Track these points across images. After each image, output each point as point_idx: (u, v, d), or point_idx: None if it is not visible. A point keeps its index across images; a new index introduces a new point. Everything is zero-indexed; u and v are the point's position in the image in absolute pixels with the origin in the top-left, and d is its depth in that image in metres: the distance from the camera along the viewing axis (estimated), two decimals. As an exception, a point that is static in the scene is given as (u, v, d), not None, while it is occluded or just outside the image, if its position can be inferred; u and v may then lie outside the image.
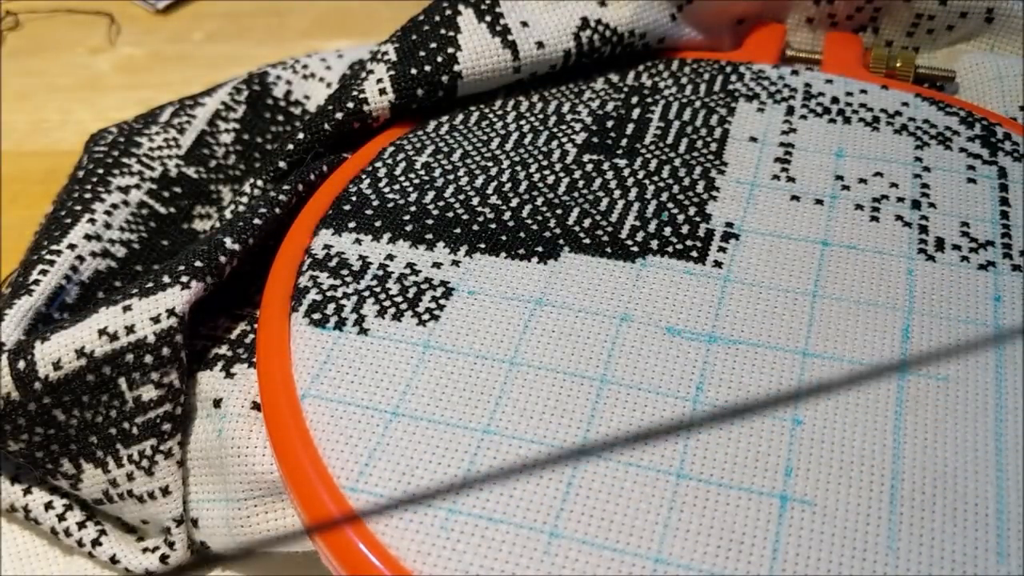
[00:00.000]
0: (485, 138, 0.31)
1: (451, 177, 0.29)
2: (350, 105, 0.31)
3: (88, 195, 0.31)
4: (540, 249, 0.26)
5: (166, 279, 0.25)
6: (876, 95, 0.32)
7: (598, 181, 0.29)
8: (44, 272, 0.28)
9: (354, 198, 0.28)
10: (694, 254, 0.26)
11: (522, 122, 0.31)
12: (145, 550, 0.26)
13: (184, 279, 0.25)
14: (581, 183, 0.29)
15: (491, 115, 0.32)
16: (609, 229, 0.27)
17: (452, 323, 0.24)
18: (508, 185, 0.28)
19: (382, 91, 0.31)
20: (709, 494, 0.21)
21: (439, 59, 0.31)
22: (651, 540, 0.20)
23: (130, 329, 0.24)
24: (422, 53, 0.31)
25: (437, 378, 0.23)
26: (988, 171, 0.29)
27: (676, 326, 0.24)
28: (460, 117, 0.32)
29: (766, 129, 0.31)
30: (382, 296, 0.25)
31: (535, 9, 0.33)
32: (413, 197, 0.28)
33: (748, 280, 0.25)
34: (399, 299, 0.25)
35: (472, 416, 0.22)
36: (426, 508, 0.21)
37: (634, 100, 0.32)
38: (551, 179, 0.29)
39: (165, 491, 0.25)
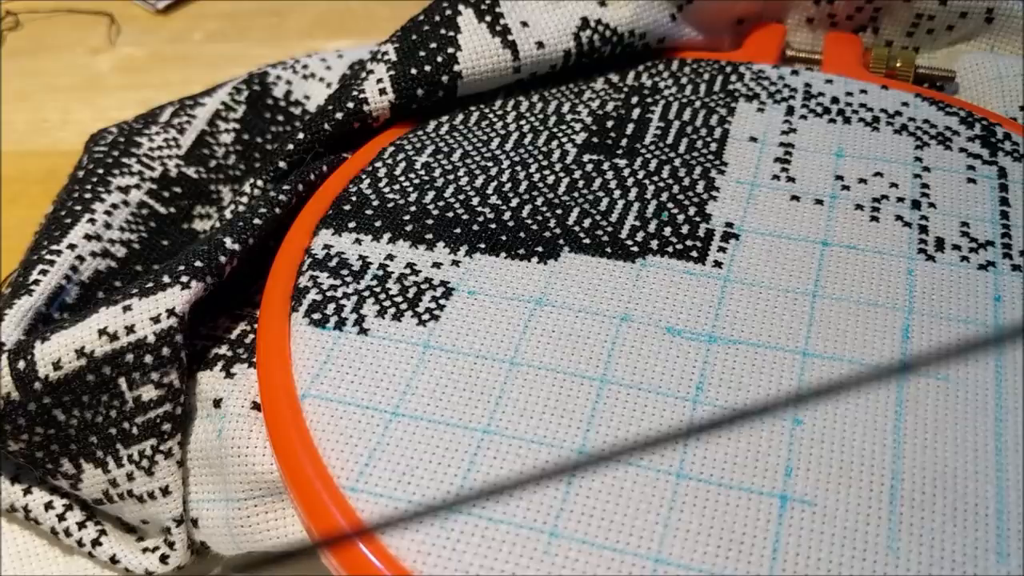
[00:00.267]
0: (485, 138, 0.31)
1: (451, 177, 0.29)
2: (350, 105, 0.31)
3: (88, 195, 0.31)
4: (540, 249, 0.26)
5: (166, 279, 0.25)
6: (876, 95, 0.32)
7: (598, 181, 0.29)
8: (44, 272, 0.28)
9: (354, 198, 0.28)
10: (694, 254, 0.26)
11: (522, 122, 0.31)
12: (145, 550, 0.26)
13: (184, 279, 0.25)
14: (581, 183, 0.29)
15: (491, 115, 0.32)
16: (609, 229, 0.27)
17: (452, 323, 0.24)
18: (508, 185, 0.28)
19: (382, 91, 0.31)
20: (709, 494, 0.21)
21: (439, 59, 0.31)
22: (651, 540, 0.20)
23: (130, 329, 0.24)
24: (422, 53, 0.31)
25: (437, 378, 0.23)
26: (988, 171, 0.29)
27: (676, 326, 0.24)
28: (460, 117, 0.32)
29: (766, 129, 0.31)
30: (382, 296, 0.25)
31: (535, 9, 0.33)
32: (413, 197, 0.28)
33: (748, 280, 0.25)
34: (399, 299, 0.25)
35: (472, 416, 0.22)
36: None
37: (634, 100, 0.32)
38: (551, 179, 0.29)
39: (165, 491, 0.25)
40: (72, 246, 0.29)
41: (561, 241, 0.27)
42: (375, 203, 0.28)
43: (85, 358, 0.24)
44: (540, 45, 0.32)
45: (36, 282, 0.28)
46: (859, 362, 0.23)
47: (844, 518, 0.20)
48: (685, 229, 0.27)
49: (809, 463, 0.21)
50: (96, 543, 0.27)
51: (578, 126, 0.31)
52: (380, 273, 0.26)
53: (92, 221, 0.30)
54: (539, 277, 0.26)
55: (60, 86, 0.47)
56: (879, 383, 0.23)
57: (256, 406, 0.24)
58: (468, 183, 0.29)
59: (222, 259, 0.26)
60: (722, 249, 0.26)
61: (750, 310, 0.25)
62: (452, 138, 0.31)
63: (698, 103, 0.32)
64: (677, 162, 0.29)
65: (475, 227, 0.27)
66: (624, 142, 0.30)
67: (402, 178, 0.29)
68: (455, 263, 0.26)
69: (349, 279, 0.26)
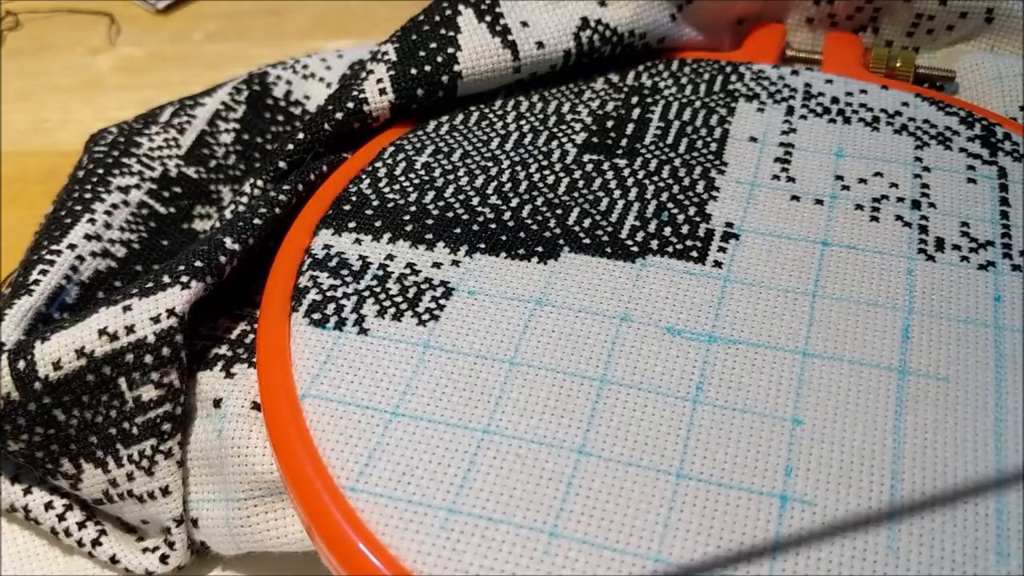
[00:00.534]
0: (485, 138, 0.31)
1: (451, 177, 0.29)
2: (350, 105, 0.31)
3: (88, 195, 0.31)
4: (540, 249, 0.26)
5: (166, 279, 0.25)
6: (876, 95, 0.32)
7: (598, 181, 0.29)
8: (44, 272, 0.28)
9: (354, 198, 0.28)
10: (694, 254, 0.26)
11: (522, 122, 0.31)
12: (145, 550, 0.26)
13: (184, 279, 0.25)
14: (581, 183, 0.29)
15: (491, 115, 0.32)
16: (609, 229, 0.27)
17: (452, 323, 0.24)
18: (508, 185, 0.28)
19: (382, 91, 0.31)
20: (709, 494, 0.21)
21: (439, 59, 0.31)
22: (651, 540, 0.20)
23: (130, 329, 0.24)
24: (422, 53, 0.31)
25: (437, 378, 0.23)
26: (988, 171, 0.29)
27: (676, 326, 0.24)
28: (460, 117, 0.32)
29: (766, 129, 0.31)
30: (382, 296, 0.25)
31: (535, 9, 0.33)
32: (413, 197, 0.28)
33: (748, 280, 0.25)
34: (399, 299, 0.25)
35: (472, 416, 0.22)
36: (426, 508, 0.21)
37: (634, 100, 0.32)
38: (551, 179, 0.29)
39: (165, 491, 0.25)
40: (72, 246, 0.29)
41: (561, 241, 0.27)
42: (375, 203, 0.28)
43: (85, 358, 0.24)
44: (540, 45, 0.32)
45: (36, 282, 0.28)
46: (859, 362, 0.23)
47: (844, 518, 0.20)
48: (685, 229, 0.27)
49: (809, 463, 0.21)
50: (96, 543, 0.27)
51: (578, 126, 0.31)
52: (380, 273, 0.26)
53: (92, 221, 0.30)
54: (539, 277, 0.26)
55: (60, 86, 0.47)
56: (879, 383, 0.23)
57: (256, 406, 0.24)
58: (468, 183, 0.29)
59: (222, 259, 0.26)
60: (722, 249, 0.26)
61: (750, 310, 0.25)
62: (452, 138, 0.31)
63: (698, 103, 0.32)
64: (677, 162, 0.29)
65: (475, 227, 0.27)
66: (624, 142, 0.30)
67: (402, 178, 0.29)
68: (455, 263, 0.26)
69: (349, 279, 0.26)
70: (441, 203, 0.28)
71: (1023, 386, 0.23)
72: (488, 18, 0.32)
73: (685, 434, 0.22)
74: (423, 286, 0.25)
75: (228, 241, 0.26)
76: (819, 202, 0.28)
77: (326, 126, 0.30)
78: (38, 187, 0.41)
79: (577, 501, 0.21)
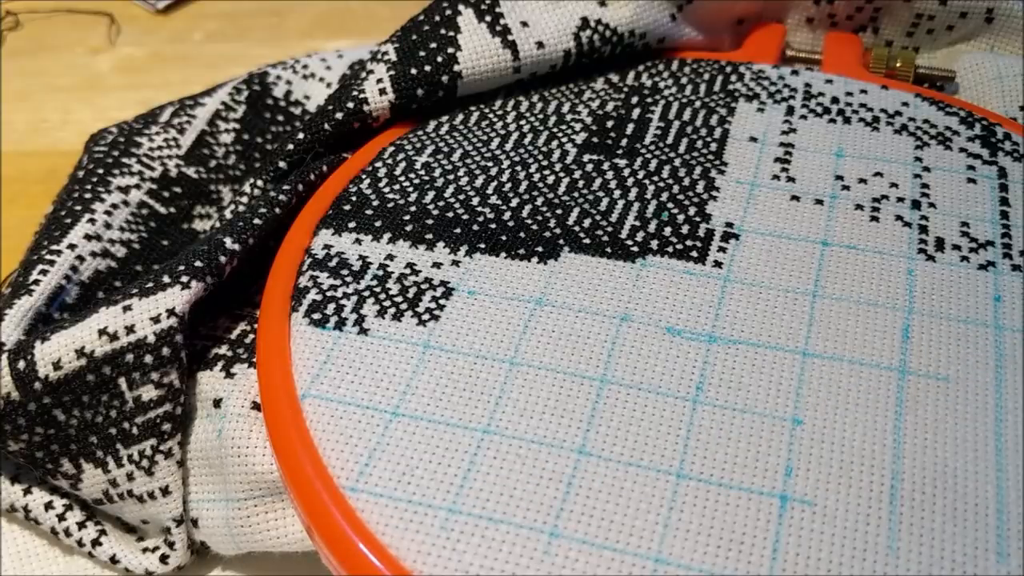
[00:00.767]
0: (485, 138, 0.31)
1: (451, 177, 0.29)
2: (350, 105, 0.31)
3: (88, 195, 0.31)
4: (540, 249, 0.26)
5: (166, 279, 0.25)
6: (876, 95, 0.32)
7: (598, 181, 0.29)
8: (44, 272, 0.28)
9: (354, 198, 0.28)
10: (694, 254, 0.26)
11: (522, 122, 0.31)
12: (145, 550, 0.26)
13: (184, 279, 0.25)
14: (581, 183, 0.29)
15: (491, 115, 0.32)
16: (609, 229, 0.27)
17: (452, 323, 0.24)
18: (508, 185, 0.29)
19: (382, 91, 0.31)
20: (709, 494, 0.21)
21: (439, 59, 0.31)
22: (651, 540, 0.20)
23: (130, 329, 0.24)
24: (422, 53, 0.31)
25: (437, 378, 0.23)
26: (988, 171, 0.29)
27: (676, 326, 0.24)
28: (460, 117, 0.32)
29: (766, 129, 0.31)
30: (382, 296, 0.25)
31: (535, 9, 0.33)
32: (413, 197, 0.28)
33: (748, 280, 0.25)
34: (399, 299, 0.25)
35: (472, 416, 0.22)
36: (426, 508, 0.21)
37: (634, 100, 0.32)
38: (551, 179, 0.29)
39: (165, 491, 0.25)
40: (72, 246, 0.29)
41: (561, 241, 0.27)
42: (375, 203, 0.28)
43: (85, 358, 0.24)
44: (540, 45, 0.32)
45: (36, 282, 0.28)
46: (859, 362, 0.23)
47: (844, 518, 0.20)
48: (685, 229, 0.27)
49: (809, 463, 0.21)
50: (96, 543, 0.27)
51: (578, 126, 0.31)
52: (380, 273, 0.26)
53: (92, 221, 0.30)
54: (539, 277, 0.26)
55: (60, 86, 0.47)
56: (879, 383, 0.23)
57: (256, 406, 0.24)
58: (468, 183, 0.29)
59: (222, 259, 0.26)
60: (722, 249, 0.26)
61: (750, 310, 0.25)
62: (452, 138, 0.31)
63: (698, 103, 0.32)
64: (677, 162, 0.29)
65: (475, 227, 0.27)
66: (624, 142, 0.30)
67: (402, 178, 0.29)
68: (455, 263, 0.26)
69: (349, 279, 0.26)
70: (441, 203, 0.28)
71: (1023, 386, 0.23)
72: (488, 18, 0.32)
73: (685, 434, 0.22)
74: (423, 286, 0.25)
75: (228, 241, 0.26)
76: (819, 202, 0.28)
77: (326, 126, 0.30)
78: (38, 187, 0.41)
79: (577, 501, 0.21)
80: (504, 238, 0.27)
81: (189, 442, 0.26)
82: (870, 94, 0.32)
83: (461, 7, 0.32)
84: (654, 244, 0.26)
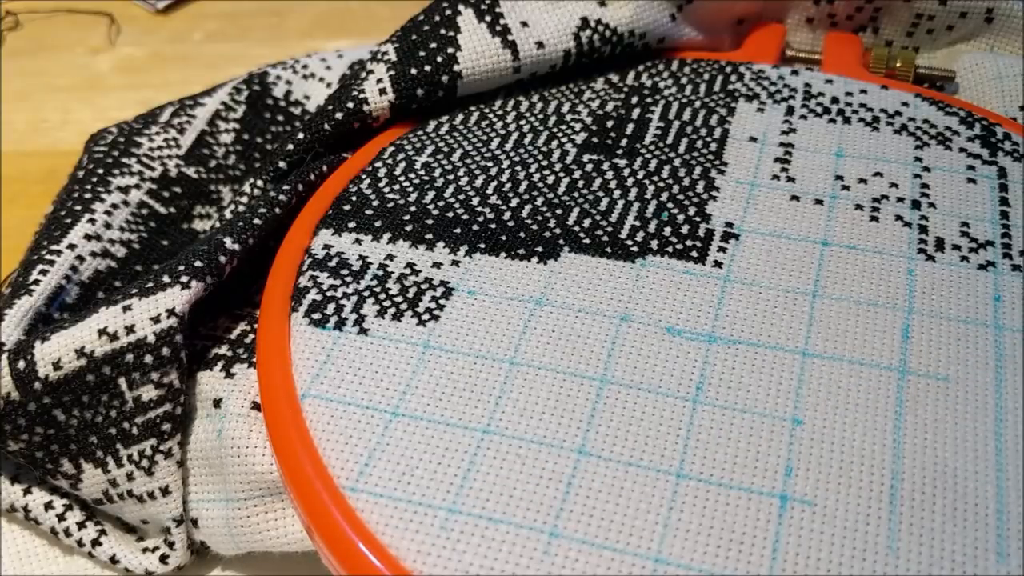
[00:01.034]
0: (485, 138, 0.31)
1: (451, 177, 0.29)
2: (350, 105, 0.31)
3: (88, 195, 0.31)
4: (540, 249, 0.26)
5: (166, 279, 0.25)
6: (876, 95, 0.32)
7: (598, 181, 0.29)
8: (44, 272, 0.28)
9: (354, 198, 0.28)
10: (694, 254, 0.26)
11: (522, 122, 0.31)
12: (145, 550, 0.26)
13: (184, 279, 0.25)
14: (581, 183, 0.29)
15: (491, 115, 0.32)
16: (609, 229, 0.27)
17: (452, 323, 0.24)
18: (508, 185, 0.29)
19: (382, 91, 0.31)
20: (709, 494, 0.21)
21: (439, 59, 0.31)
22: (651, 540, 0.20)
23: (130, 329, 0.24)
24: (422, 53, 0.31)
25: (437, 378, 0.23)
26: (988, 171, 0.29)
27: (676, 326, 0.24)
28: (460, 117, 0.32)
29: (766, 129, 0.31)
30: (382, 296, 0.25)
31: (535, 9, 0.33)
32: (413, 197, 0.28)
33: (748, 280, 0.25)
34: (399, 299, 0.25)
35: (472, 416, 0.22)
36: (426, 508, 0.21)
37: (634, 100, 0.32)
38: (551, 179, 0.29)
39: (165, 491, 0.25)
40: (72, 246, 0.29)
41: (561, 241, 0.27)
42: (375, 203, 0.28)
43: (85, 358, 0.24)
44: (540, 45, 0.32)
45: (36, 282, 0.28)
46: (859, 362, 0.23)
47: (844, 518, 0.20)
48: (685, 229, 0.27)
49: (809, 463, 0.21)
50: (96, 543, 0.27)
51: (578, 126, 0.31)
52: (380, 273, 0.26)
53: (92, 221, 0.30)
54: (539, 277, 0.26)
55: (60, 86, 0.47)
56: (879, 383, 0.23)
57: (256, 406, 0.24)
58: (468, 183, 0.29)
59: (222, 259, 0.26)
60: (722, 249, 0.26)
61: (750, 310, 0.25)
62: (452, 138, 0.31)
63: (698, 103, 0.32)
64: (677, 162, 0.29)
65: (475, 227, 0.27)
66: (624, 142, 0.30)
67: (402, 178, 0.29)
68: (455, 263, 0.26)
69: (349, 279, 0.26)
70: (441, 203, 0.28)
71: (1023, 386, 0.23)
72: (488, 18, 0.32)
73: (685, 434, 0.22)
74: (423, 286, 0.25)
75: (228, 241, 0.26)
76: (819, 202, 0.28)
77: (326, 126, 0.30)
78: (38, 187, 0.41)
79: (577, 501, 0.21)
80: (504, 238, 0.27)
81: (189, 442, 0.26)
82: (870, 94, 0.32)
83: (461, 7, 0.32)
84: (654, 244, 0.26)
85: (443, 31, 0.32)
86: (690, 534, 0.20)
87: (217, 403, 0.25)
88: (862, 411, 0.22)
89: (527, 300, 0.25)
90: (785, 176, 0.29)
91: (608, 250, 0.26)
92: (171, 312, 0.24)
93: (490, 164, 0.29)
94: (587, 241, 0.27)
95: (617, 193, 0.28)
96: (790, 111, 0.31)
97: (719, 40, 0.37)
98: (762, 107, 0.32)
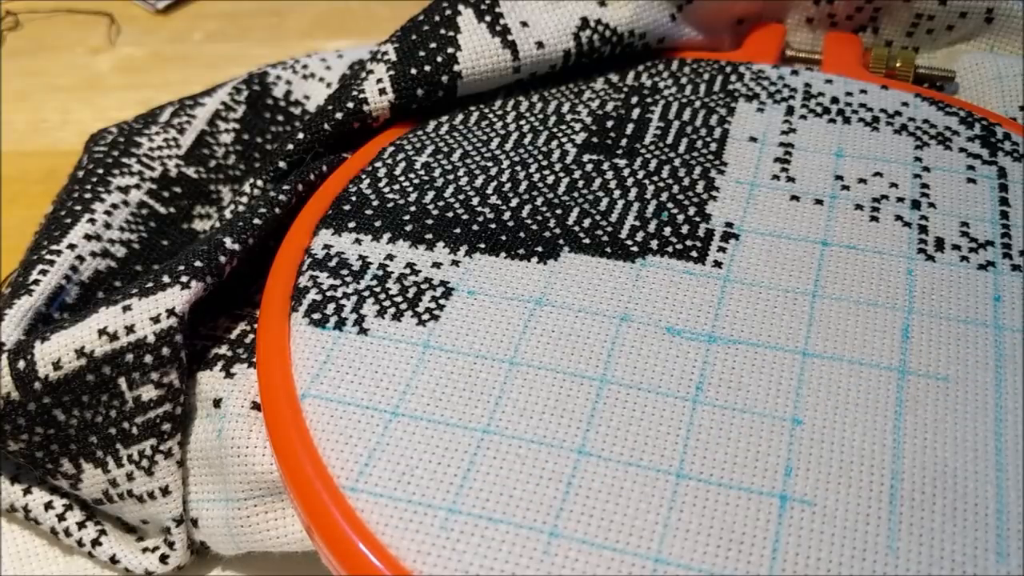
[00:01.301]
0: (485, 138, 0.31)
1: (451, 177, 0.29)
2: (350, 105, 0.31)
3: (88, 195, 0.31)
4: (540, 249, 0.26)
5: (166, 279, 0.25)
6: (876, 95, 0.32)
7: (598, 181, 0.29)
8: (44, 272, 0.28)
9: (354, 198, 0.28)
10: (694, 254, 0.26)
11: (522, 122, 0.31)
12: (145, 550, 0.26)
13: (184, 279, 0.25)
14: (581, 183, 0.29)
15: (491, 115, 0.32)
16: (609, 229, 0.27)
17: (452, 323, 0.24)
18: (508, 185, 0.29)
19: (382, 91, 0.31)
20: (709, 494, 0.21)
21: (439, 59, 0.31)
22: (651, 540, 0.20)
23: (130, 329, 0.24)
24: (422, 53, 0.31)
25: (437, 378, 0.23)
26: (988, 171, 0.29)
27: (676, 326, 0.24)
28: (460, 117, 0.32)
29: (766, 129, 0.31)
30: (382, 296, 0.25)
31: (535, 9, 0.33)
32: (413, 197, 0.28)
33: (748, 280, 0.26)
34: (399, 299, 0.25)
35: (472, 416, 0.22)
36: (426, 508, 0.21)
37: (634, 100, 0.32)
38: (551, 179, 0.29)
39: (165, 491, 0.25)
40: (72, 246, 0.29)
41: (561, 241, 0.27)
42: (375, 203, 0.28)
43: (85, 358, 0.24)
44: (540, 45, 0.32)
45: (36, 282, 0.28)
46: (859, 362, 0.23)
47: (844, 518, 0.20)
48: (685, 229, 0.27)
49: (809, 463, 0.21)
50: (96, 543, 0.27)
51: (578, 126, 0.31)
52: (380, 273, 0.26)
53: (92, 221, 0.30)
54: (539, 277, 0.26)
55: (60, 86, 0.47)
56: (879, 383, 0.23)
57: (256, 406, 0.24)
58: (468, 183, 0.29)
59: (222, 259, 0.26)
60: (722, 249, 0.26)
61: (750, 310, 0.25)
62: (452, 138, 0.31)
63: (698, 103, 0.32)
64: (677, 162, 0.29)
65: (475, 227, 0.27)
66: (624, 142, 0.30)
67: (402, 178, 0.29)
68: (455, 263, 0.26)
69: (349, 279, 0.26)
70: (441, 203, 0.28)
71: (1023, 386, 0.23)
72: (488, 18, 0.32)
73: (685, 434, 0.22)
74: (423, 286, 0.25)
75: (228, 241, 0.26)
76: (819, 202, 0.28)
77: (326, 126, 0.30)
78: (38, 187, 0.41)
79: (577, 501, 0.21)
80: (504, 238, 0.27)
81: (189, 442, 0.26)
82: (870, 94, 0.32)
83: (461, 7, 0.32)
84: (654, 244, 0.26)
85: (443, 31, 0.32)
86: (690, 534, 0.20)
87: (217, 403, 0.25)
88: (862, 411, 0.22)
89: (527, 300, 0.25)
90: (785, 176, 0.29)
91: (608, 250, 0.26)
92: (171, 312, 0.24)
93: (490, 164, 0.29)
94: (587, 241, 0.27)
95: (617, 193, 0.28)
96: (790, 111, 0.31)
97: (719, 40, 0.37)
98: (762, 107, 0.32)
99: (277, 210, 0.28)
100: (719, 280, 0.25)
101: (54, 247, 0.29)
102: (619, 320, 0.24)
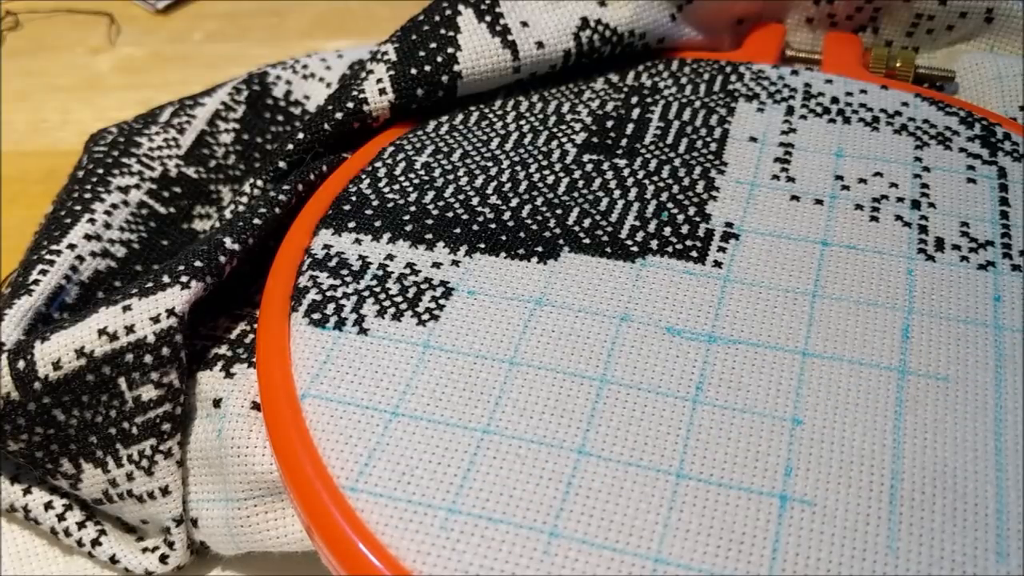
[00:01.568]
0: (485, 138, 0.31)
1: (451, 177, 0.29)
2: (350, 105, 0.31)
3: (88, 195, 0.31)
4: (540, 249, 0.26)
5: (166, 279, 0.25)
6: (876, 95, 0.32)
7: (598, 181, 0.29)
8: (44, 272, 0.28)
9: (354, 198, 0.28)
10: (694, 254, 0.26)
11: (522, 122, 0.31)
12: (145, 550, 0.26)
13: (184, 279, 0.25)
14: (581, 183, 0.29)
15: (491, 115, 0.32)
16: (609, 229, 0.27)
17: (452, 323, 0.24)
18: (508, 185, 0.29)
19: (382, 91, 0.31)
20: (709, 494, 0.21)
21: (439, 59, 0.31)
22: (651, 540, 0.20)
23: (130, 329, 0.24)
24: (422, 53, 0.31)
25: (437, 378, 0.23)
26: (988, 171, 0.29)
27: (676, 326, 0.24)
28: (460, 117, 0.32)
29: (766, 129, 0.31)
30: (382, 296, 0.25)
31: (535, 9, 0.33)
32: (413, 197, 0.28)
33: (748, 280, 0.25)
34: (399, 299, 0.25)
35: (472, 416, 0.22)
36: (426, 508, 0.21)
37: (634, 100, 0.32)
38: (551, 179, 0.29)
39: (165, 491, 0.25)
40: (72, 246, 0.29)
41: (561, 241, 0.27)
42: (375, 203, 0.28)
43: (85, 358, 0.24)
44: (540, 45, 0.32)
45: (36, 282, 0.28)
46: (859, 362, 0.23)
47: (844, 518, 0.20)
48: (685, 229, 0.27)
49: (809, 463, 0.21)
50: (96, 543, 0.27)
51: (578, 126, 0.31)
52: (380, 273, 0.26)
53: (92, 221, 0.30)
54: (539, 277, 0.26)
55: (60, 86, 0.47)
56: (879, 383, 0.23)
57: (256, 406, 0.24)
58: (468, 183, 0.29)
59: (222, 259, 0.26)
60: (722, 249, 0.26)
61: (750, 310, 0.25)
62: (452, 138, 0.31)
63: (698, 103, 0.32)
64: (677, 162, 0.29)
65: (475, 227, 0.27)
66: (624, 142, 0.30)
67: (402, 178, 0.29)
68: (455, 263, 0.26)
69: (349, 279, 0.26)
70: (441, 203, 0.28)
71: (1023, 386, 0.23)
72: (488, 18, 0.32)
73: (685, 434, 0.22)
74: (423, 286, 0.25)
75: (228, 241, 0.26)
76: (819, 202, 0.28)
77: (326, 126, 0.30)
78: (38, 187, 0.41)
79: (577, 501, 0.21)
80: (504, 238, 0.27)
81: (189, 442, 0.26)
82: (870, 94, 0.32)
83: (461, 7, 0.32)
84: (654, 244, 0.26)
85: (443, 31, 0.32)
86: (690, 534, 0.20)
87: (217, 403, 0.25)
88: (862, 411, 0.22)
89: (527, 300, 0.25)
90: (785, 176, 0.29)
91: (608, 250, 0.26)
92: (171, 312, 0.24)
93: (490, 164, 0.29)
94: (587, 241, 0.27)
95: (617, 193, 0.28)
96: (790, 111, 0.31)
97: (719, 40, 0.37)
98: (762, 107, 0.32)
99: (277, 210, 0.28)
100: (719, 280, 0.25)
101: (54, 247, 0.29)
102: (619, 320, 0.24)
